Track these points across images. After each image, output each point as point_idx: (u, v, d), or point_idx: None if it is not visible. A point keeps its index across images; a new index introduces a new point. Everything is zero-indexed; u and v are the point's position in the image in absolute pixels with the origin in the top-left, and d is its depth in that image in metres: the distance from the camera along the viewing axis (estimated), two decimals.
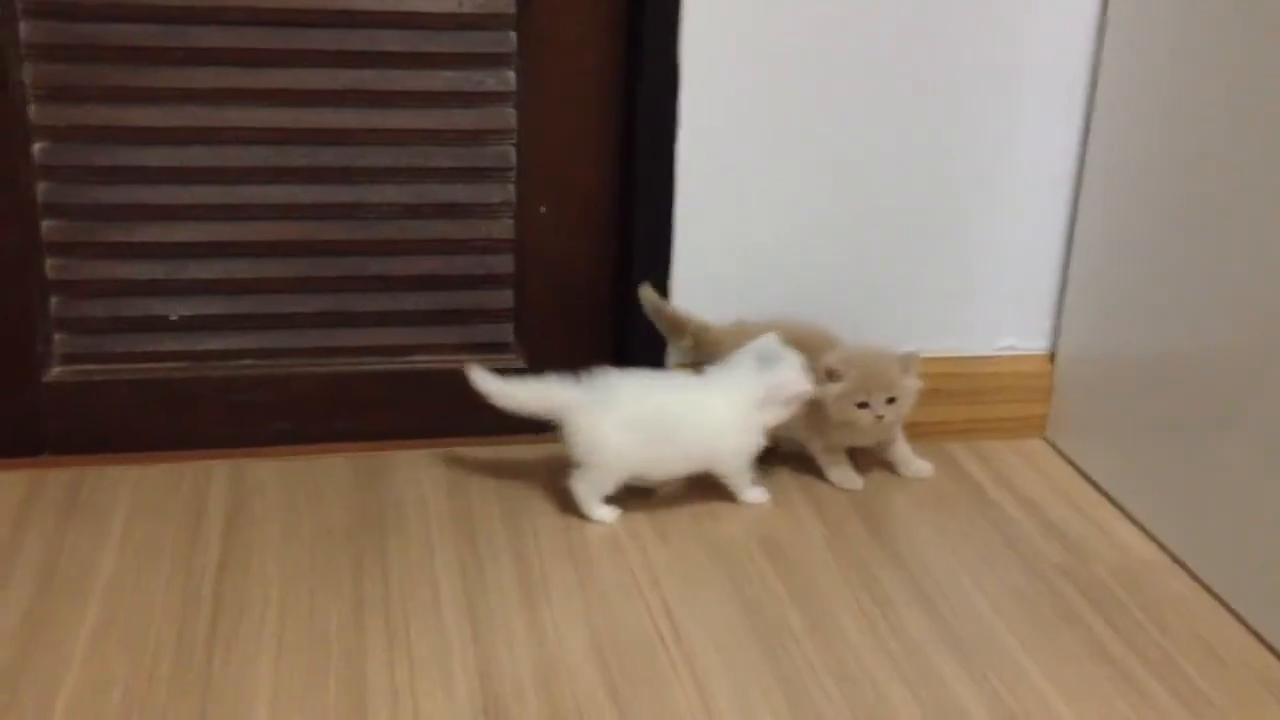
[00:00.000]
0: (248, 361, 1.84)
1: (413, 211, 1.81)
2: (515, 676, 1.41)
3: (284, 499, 1.73)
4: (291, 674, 1.41)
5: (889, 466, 1.87)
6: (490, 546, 1.65)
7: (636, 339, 1.85)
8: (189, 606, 1.51)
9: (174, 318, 1.80)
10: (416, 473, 1.81)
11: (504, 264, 1.86)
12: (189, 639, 1.46)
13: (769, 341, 1.72)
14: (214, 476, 1.77)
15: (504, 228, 1.84)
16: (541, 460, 1.82)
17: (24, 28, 1.65)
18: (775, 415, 1.71)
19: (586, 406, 1.68)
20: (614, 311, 1.90)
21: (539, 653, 1.45)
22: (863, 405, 1.73)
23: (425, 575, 1.58)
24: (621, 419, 1.67)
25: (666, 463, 1.71)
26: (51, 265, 1.74)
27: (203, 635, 1.46)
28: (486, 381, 1.71)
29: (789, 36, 1.78)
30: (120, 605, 1.51)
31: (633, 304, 1.83)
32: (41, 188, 1.71)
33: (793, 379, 1.70)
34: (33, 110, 1.68)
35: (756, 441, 1.72)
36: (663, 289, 1.83)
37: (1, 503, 1.69)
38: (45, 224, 1.72)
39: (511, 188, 1.82)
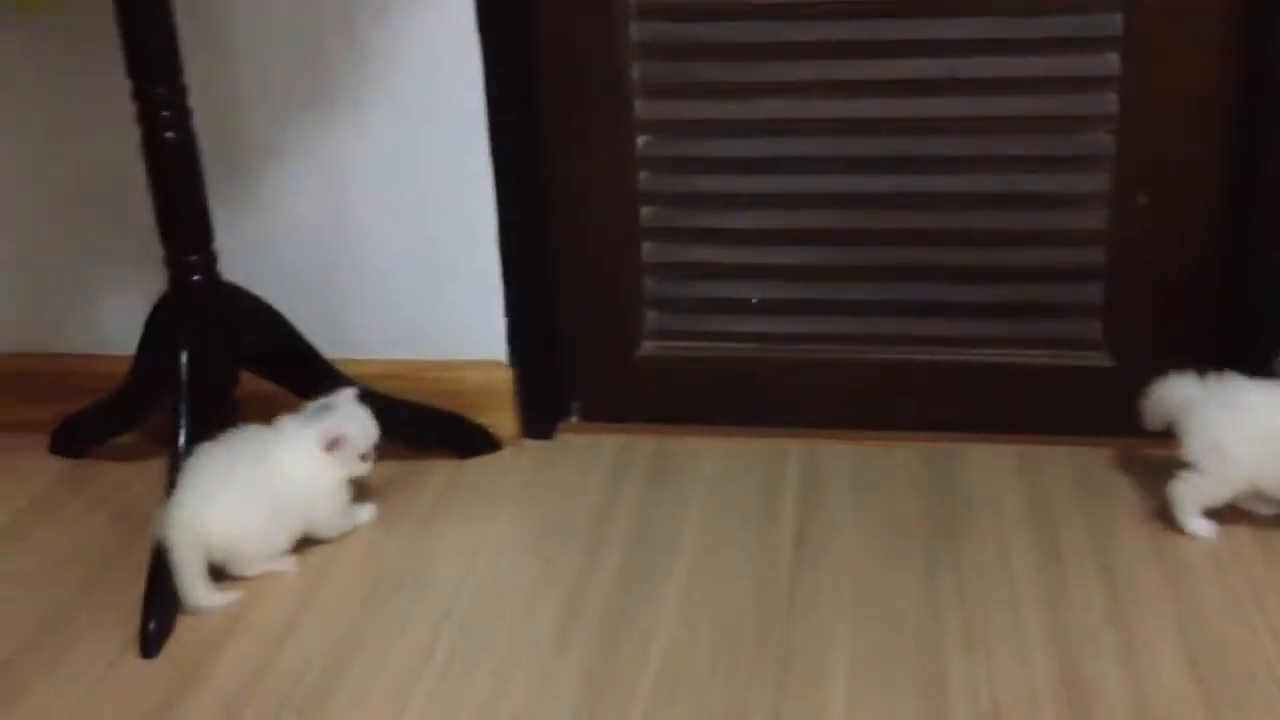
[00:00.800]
0: (823, 346, 1.87)
1: (995, 201, 1.77)
2: (1105, 694, 1.35)
3: (855, 484, 1.75)
4: (868, 652, 1.42)
5: None
6: (1073, 552, 1.58)
7: (1247, 345, 1.71)
8: (767, 575, 1.56)
9: (755, 301, 1.87)
10: (989, 468, 1.77)
11: (1094, 257, 1.77)
12: (768, 606, 1.51)
13: None
14: (788, 455, 1.82)
15: (1095, 218, 1.76)
16: (1123, 464, 1.73)
17: (634, 28, 1.76)
18: None
19: (1212, 408, 1.58)
20: (1218, 314, 1.76)
21: (1129, 671, 1.38)
22: None
23: (1002, 576, 1.54)
24: (1251, 426, 1.56)
25: None
26: (648, 249, 1.85)
27: (780, 604, 1.51)
28: None
29: None
30: (704, 567, 1.59)
31: (1243, 307, 1.69)
32: (642, 177, 1.82)
33: None
34: (638, 106, 1.79)
35: None
36: None
37: (599, 462, 1.83)
38: (644, 210, 1.83)
39: (1107, 176, 1.74)
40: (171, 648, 1.47)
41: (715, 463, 1.81)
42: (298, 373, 1.77)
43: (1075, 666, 1.38)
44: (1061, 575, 1.54)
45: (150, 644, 1.46)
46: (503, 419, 1.87)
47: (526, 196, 1.82)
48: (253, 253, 1.79)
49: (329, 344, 1.78)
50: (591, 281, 1.88)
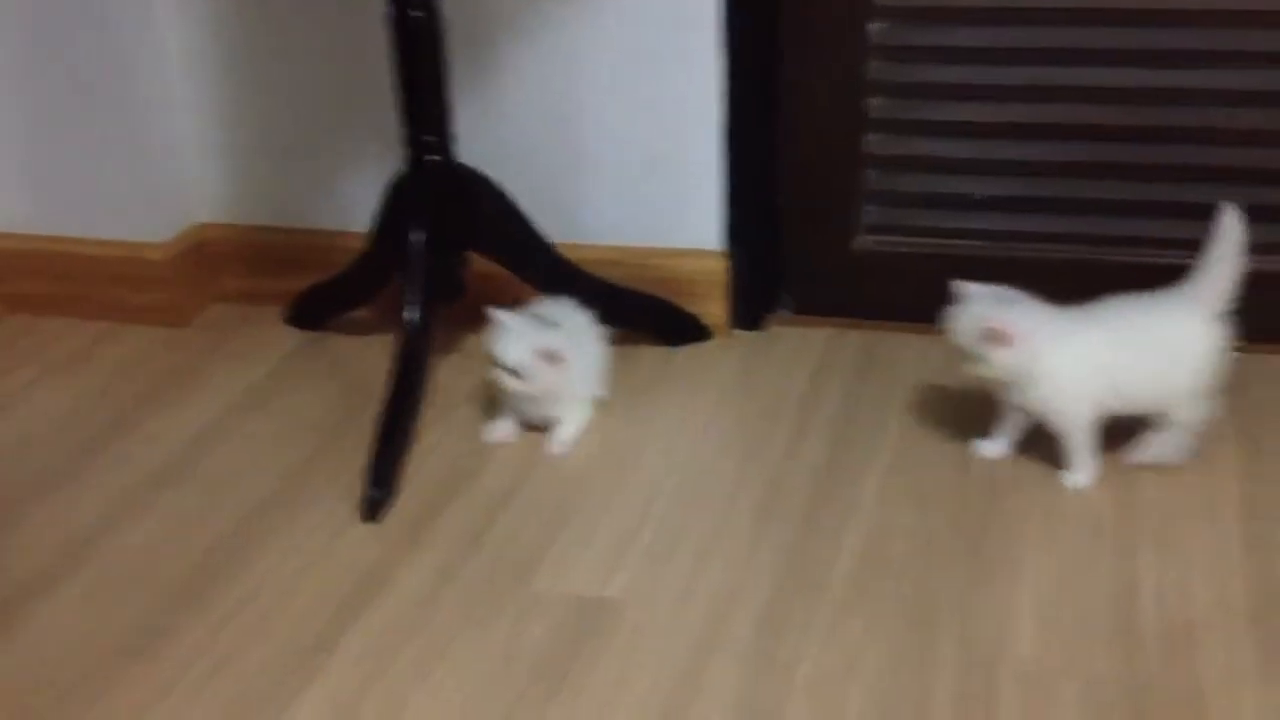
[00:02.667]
0: (1045, 245, 1.83)
1: (1240, 99, 1.69)
2: None
3: None
4: (1060, 552, 1.43)
5: None
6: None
7: None
8: (964, 472, 1.57)
9: (977, 196, 1.84)
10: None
11: None
12: (970, 501, 1.52)
13: None
14: None
15: None
16: None
17: None
18: None
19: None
20: None
21: None
22: None
23: (1203, 485, 1.51)
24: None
25: None
26: (871, 141, 1.84)
27: (978, 501, 1.52)
28: None
29: None
30: (904, 461, 1.61)
31: None
32: (872, 67, 1.80)
33: None
34: None
35: None
36: None
37: (807, 355, 1.85)
38: (871, 101, 1.82)
39: None
40: (394, 513, 1.57)
41: (924, 361, 1.81)
42: (523, 256, 1.83)
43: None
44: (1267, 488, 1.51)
45: (373, 509, 1.56)
46: (714, 308, 1.90)
47: (754, 85, 1.83)
48: (487, 136, 1.85)
49: (554, 229, 1.84)
50: (813, 173, 1.88)
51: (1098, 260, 1.81)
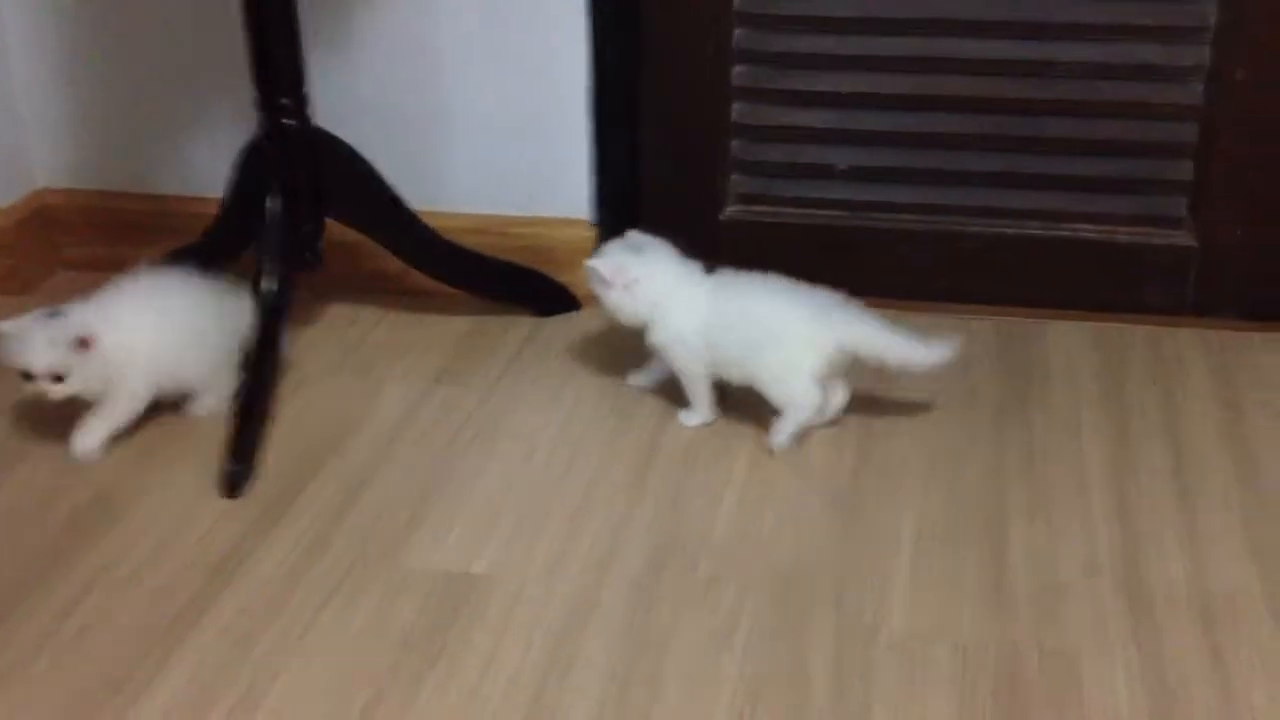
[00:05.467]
0: (910, 216, 1.85)
1: (1102, 72, 1.73)
2: (1166, 574, 1.36)
3: None
4: (935, 520, 1.44)
5: None
6: (1143, 432, 1.58)
7: None
8: (836, 442, 1.58)
9: (842, 167, 1.85)
10: (1067, 345, 1.76)
11: (1187, 133, 1.73)
12: (837, 473, 1.53)
13: None
14: None
15: (1192, 94, 1.71)
16: (1200, 346, 1.72)
17: None
18: None
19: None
20: None
21: (1192, 554, 1.38)
22: None
23: (1071, 453, 1.55)
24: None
25: None
26: (738, 110, 1.83)
27: (846, 474, 1.53)
28: None
29: None
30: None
31: None
32: (737, 34, 1.79)
33: None
34: None
35: None
36: None
37: None
38: (736, 69, 1.81)
39: (1206, 50, 1.69)
40: (254, 489, 1.52)
41: None
42: (384, 223, 1.79)
43: (1136, 545, 1.39)
44: (1129, 452, 1.54)
45: (233, 484, 1.51)
46: (583, 278, 1.88)
47: (621, 54, 1.81)
48: (344, 99, 1.80)
49: (415, 196, 1.80)
50: (680, 142, 1.87)
51: (962, 231, 1.84)
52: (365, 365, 1.76)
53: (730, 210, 1.90)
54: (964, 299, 1.85)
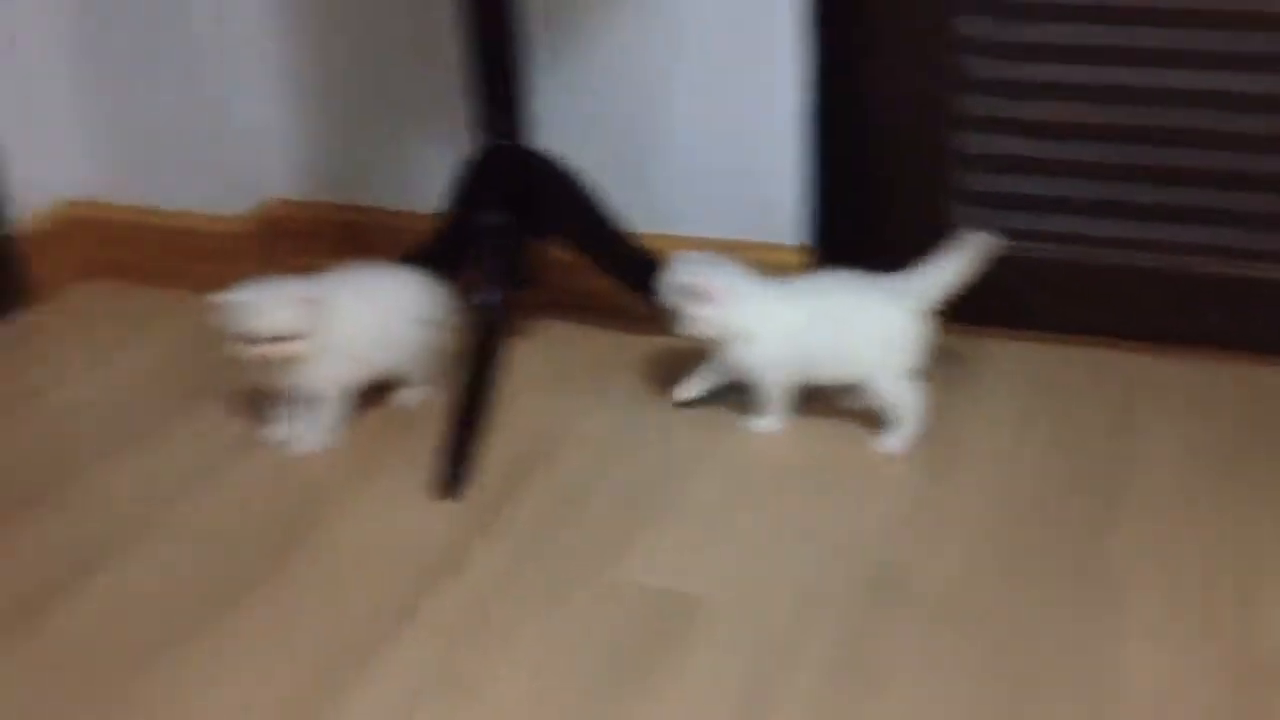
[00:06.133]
0: (1140, 253, 1.78)
1: None
2: None
3: (1157, 398, 1.68)
4: (1167, 583, 1.37)
5: None
6: None
7: None
8: (1079, 486, 1.52)
9: (1076, 199, 1.79)
10: None
11: None
12: (1078, 517, 1.47)
13: None
14: (1083, 363, 1.76)
15: None
16: None
17: None
18: None
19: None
20: None
21: None
22: None
23: None
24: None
25: None
26: (964, 139, 1.79)
27: (1087, 517, 1.46)
28: None
29: None
30: (1002, 471, 1.55)
31: None
32: (966, 62, 1.76)
33: None
34: None
35: None
36: None
37: None
38: (964, 99, 1.78)
39: None
40: (469, 494, 1.53)
41: (1011, 365, 1.77)
42: (600, 245, 1.80)
43: None
44: None
45: (449, 488, 1.53)
46: None
47: (843, 80, 1.79)
48: (569, 117, 1.82)
49: (627, 216, 1.81)
50: (901, 170, 1.84)
51: (1198, 270, 1.76)
52: (578, 381, 1.76)
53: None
54: (1189, 340, 1.77)
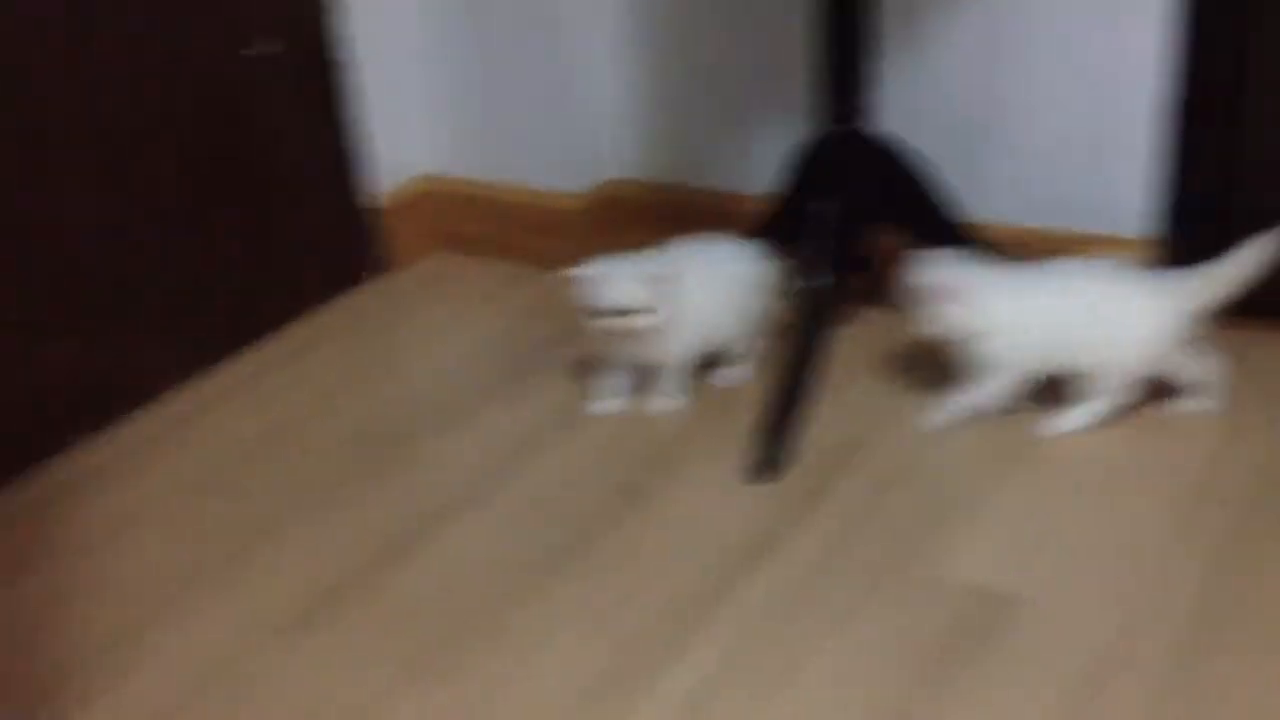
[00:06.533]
0: None
1: None
2: None
3: None
4: None
5: None
6: None
7: None
8: None
9: None
10: None
11: None
12: None
13: None
14: None
15: None
16: None
17: None
18: None
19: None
20: None
21: None
22: None
23: None
24: None
25: None
26: None
27: None
28: None
29: None
30: None
31: None
32: None
33: None
34: None
35: None
36: None
37: (1244, 361, 1.66)
38: None
39: None
40: (787, 478, 1.55)
41: None
42: (931, 232, 1.77)
43: None
44: None
45: (767, 471, 1.55)
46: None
47: (1217, 58, 1.69)
48: (911, 103, 1.80)
49: (966, 204, 1.78)
50: (1270, 170, 1.72)
51: None
52: (899, 370, 1.75)
53: None
54: None
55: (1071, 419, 1.58)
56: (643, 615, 1.35)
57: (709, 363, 1.73)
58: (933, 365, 1.73)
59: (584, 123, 2.07)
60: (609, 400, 1.70)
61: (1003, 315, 1.55)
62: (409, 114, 2.12)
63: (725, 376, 1.74)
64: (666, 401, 1.69)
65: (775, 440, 1.58)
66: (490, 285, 2.07)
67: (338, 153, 2.03)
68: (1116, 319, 1.54)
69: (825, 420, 1.64)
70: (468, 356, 1.89)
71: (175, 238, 1.82)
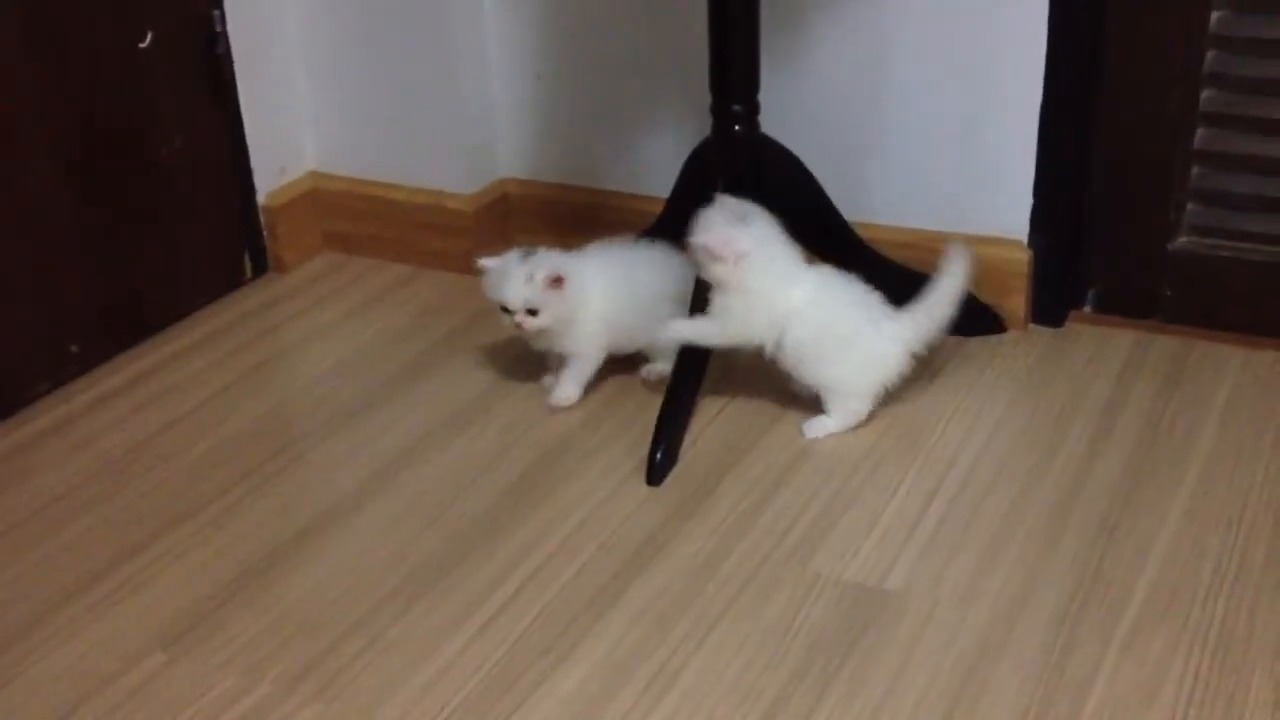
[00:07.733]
0: None
1: None
2: None
3: None
4: None
5: None
6: None
7: None
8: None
9: None
10: None
11: None
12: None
13: None
14: None
15: None
16: None
17: None
18: None
19: None
20: None
21: None
22: None
23: None
24: None
25: None
26: (1201, 135, 1.72)
27: None
28: None
29: None
30: (1216, 480, 1.51)
31: None
32: (1209, 57, 1.69)
33: None
34: None
35: None
36: None
37: (1110, 356, 1.76)
38: (1204, 93, 1.70)
39: None
40: (673, 480, 1.56)
41: (1242, 373, 1.70)
42: (815, 230, 1.79)
43: None
44: None
45: (656, 473, 1.56)
46: (1012, 301, 1.83)
47: (1078, 72, 1.74)
48: (788, 106, 1.82)
49: (846, 205, 1.80)
50: (1132, 167, 1.78)
51: None
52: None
53: (1181, 241, 1.79)
54: None
55: (826, 424, 1.63)
56: (529, 618, 1.35)
57: (638, 358, 1.74)
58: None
59: (474, 122, 2.06)
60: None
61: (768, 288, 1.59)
62: (296, 110, 2.09)
63: (650, 371, 1.75)
64: (562, 396, 1.70)
65: (666, 443, 1.59)
66: (379, 286, 2.06)
67: (221, 149, 2.00)
68: (851, 347, 1.60)
69: (712, 422, 1.66)
70: (356, 358, 1.88)
71: (50, 236, 1.77)
